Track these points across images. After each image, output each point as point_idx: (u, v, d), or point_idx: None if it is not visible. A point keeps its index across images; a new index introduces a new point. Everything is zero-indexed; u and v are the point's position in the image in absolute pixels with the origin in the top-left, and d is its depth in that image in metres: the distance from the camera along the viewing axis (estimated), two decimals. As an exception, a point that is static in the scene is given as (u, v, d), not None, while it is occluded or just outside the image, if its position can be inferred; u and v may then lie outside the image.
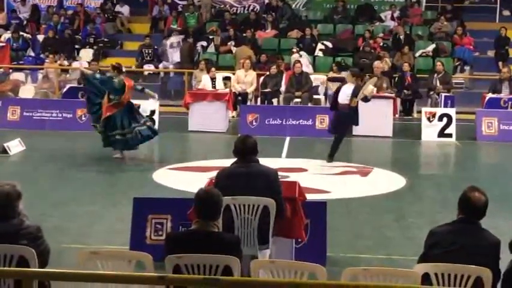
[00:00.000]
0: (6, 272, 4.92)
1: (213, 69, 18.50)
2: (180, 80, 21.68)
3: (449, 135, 16.32)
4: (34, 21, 24.72)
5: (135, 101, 14.10)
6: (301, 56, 20.86)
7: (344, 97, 13.05)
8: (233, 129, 16.81)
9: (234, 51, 21.95)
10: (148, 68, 22.23)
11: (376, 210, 10.28)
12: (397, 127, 17.09)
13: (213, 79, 18.08)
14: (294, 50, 21.23)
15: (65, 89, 19.33)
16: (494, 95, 17.97)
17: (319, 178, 12.14)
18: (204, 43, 22.80)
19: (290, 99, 18.44)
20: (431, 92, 18.93)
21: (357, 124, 13.72)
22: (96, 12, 25.04)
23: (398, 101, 18.41)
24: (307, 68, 20.13)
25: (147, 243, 7.74)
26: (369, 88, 13.03)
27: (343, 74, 17.84)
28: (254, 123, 16.69)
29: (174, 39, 22.81)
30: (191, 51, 22.32)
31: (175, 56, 22.50)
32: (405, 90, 18.94)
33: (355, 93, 12.90)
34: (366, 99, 13.07)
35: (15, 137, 14.50)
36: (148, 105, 16.08)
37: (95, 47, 23.19)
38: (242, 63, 19.49)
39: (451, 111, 16.81)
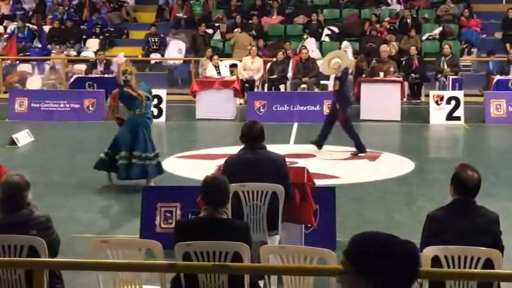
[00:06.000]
0: (16, 262, 4.95)
1: (215, 57, 18.46)
2: (186, 69, 21.66)
3: (458, 118, 16.26)
4: (40, 12, 24.72)
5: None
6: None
7: None
8: (241, 116, 16.78)
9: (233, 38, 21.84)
10: (155, 56, 22.22)
11: (385, 195, 10.26)
12: (405, 111, 17.03)
13: (216, 66, 18.06)
14: (305, 36, 21.16)
15: (72, 80, 19.34)
16: (502, 77, 17.90)
17: (327, 163, 12.13)
18: (210, 31, 22.76)
19: (297, 85, 18.40)
20: (439, 75, 18.85)
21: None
22: (101, 1, 25.02)
23: (406, 84, 18.32)
24: (312, 53, 20.07)
25: (156, 231, 7.75)
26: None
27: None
28: (262, 110, 16.66)
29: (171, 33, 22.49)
30: (195, 40, 22.24)
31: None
32: (413, 74, 18.86)
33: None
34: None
35: (23, 128, 14.53)
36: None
37: (101, 37, 23.19)
38: (249, 50, 19.46)
39: (459, 93, 16.75)
